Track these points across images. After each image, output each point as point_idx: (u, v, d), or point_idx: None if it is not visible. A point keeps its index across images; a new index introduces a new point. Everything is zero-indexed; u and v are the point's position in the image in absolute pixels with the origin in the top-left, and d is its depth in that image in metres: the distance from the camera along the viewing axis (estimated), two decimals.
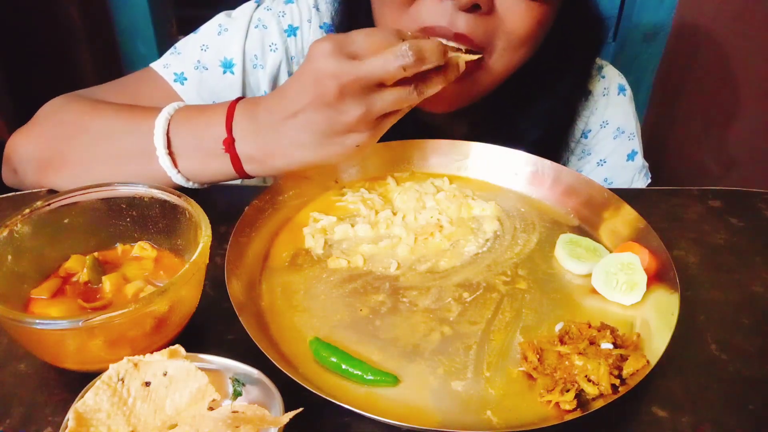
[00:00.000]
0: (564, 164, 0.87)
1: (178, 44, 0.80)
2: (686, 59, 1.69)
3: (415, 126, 0.75)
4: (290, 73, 0.81)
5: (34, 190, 0.70)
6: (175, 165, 0.61)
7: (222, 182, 0.64)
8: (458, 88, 0.69)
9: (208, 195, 0.64)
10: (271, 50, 0.79)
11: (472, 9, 0.61)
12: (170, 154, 0.60)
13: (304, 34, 0.81)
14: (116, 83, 0.78)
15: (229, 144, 0.58)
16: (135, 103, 0.70)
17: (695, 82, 1.70)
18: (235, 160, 0.59)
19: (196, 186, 0.64)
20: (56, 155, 0.66)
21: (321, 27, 0.80)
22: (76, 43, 1.49)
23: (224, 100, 0.74)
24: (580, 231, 0.69)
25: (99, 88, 0.77)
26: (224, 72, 0.78)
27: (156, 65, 0.78)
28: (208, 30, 0.80)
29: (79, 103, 0.70)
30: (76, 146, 0.65)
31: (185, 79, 0.77)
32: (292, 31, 0.80)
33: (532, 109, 0.79)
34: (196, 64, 0.77)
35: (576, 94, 0.84)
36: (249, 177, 0.62)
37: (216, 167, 0.61)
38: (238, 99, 0.61)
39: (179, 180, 0.62)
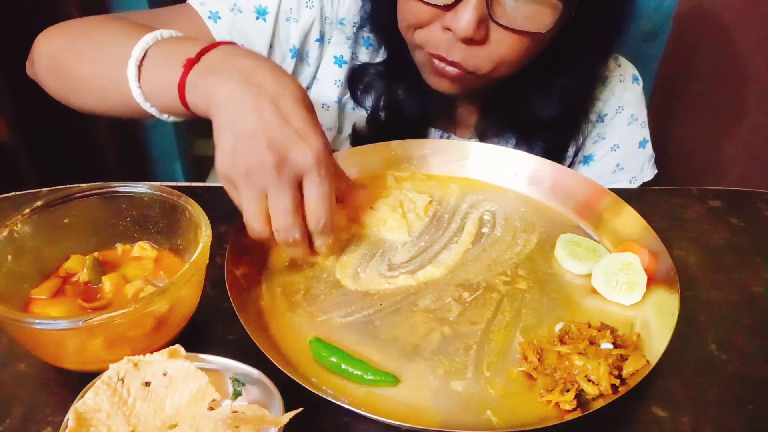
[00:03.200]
0: (578, 147, 0.89)
1: None
2: (686, 59, 1.69)
3: (437, 98, 0.80)
4: (322, 33, 0.82)
5: (33, 191, 0.70)
6: (139, 80, 0.60)
7: (178, 114, 0.62)
8: (457, 86, 0.74)
9: (208, 195, 0.64)
10: (307, 6, 0.80)
11: (469, 42, 0.68)
12: (139, 68, 0.60)
13: None
14: (153, 12, 0.80)
15: (189, 65, 0.56)
16: None
17: (695, 82, 1.70)
18: (182, 82, 0.56)
19: (155, 112, 0.62)
20: (62, 57, 0.69)
21: None
22: None
23: (253, 45, 0.78)
24: (580, 231, 0.69)
25: (135, 13, 0.79)
26: (257, 18, 0.79)
27: (193, 2, 0.79)
28: None
29: (104, 17, 0.73)
30: (78, 51, 0.68)
31: (219, 18, 0.77)
32: None
33: (549, 86, 0.81)
34: (232, 5, 0.78)
35: (593, 74, 0.86)
36: (187, 110, 0.59)
37: (166, 84, 0.58)
38: (228, 42, 0.59)
39: (138, 96, 0.60)
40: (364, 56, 0.84)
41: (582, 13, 0.70)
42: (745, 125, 1.60)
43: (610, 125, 0.90)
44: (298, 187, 0.53)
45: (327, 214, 0.54)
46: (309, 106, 0.54)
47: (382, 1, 0.79)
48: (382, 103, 0.84)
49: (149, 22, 0.73)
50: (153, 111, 0.62)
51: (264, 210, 0.53)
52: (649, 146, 0.92)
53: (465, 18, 0.65)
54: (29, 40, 0.74)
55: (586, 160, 0.91)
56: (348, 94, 0.86)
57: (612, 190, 0.69)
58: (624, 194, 0.68)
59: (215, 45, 0.57)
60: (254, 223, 0.54)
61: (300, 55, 0.82)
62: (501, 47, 0.69)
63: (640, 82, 0.92)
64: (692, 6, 1.63)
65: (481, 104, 0.87)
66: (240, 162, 0.51)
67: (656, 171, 0.93)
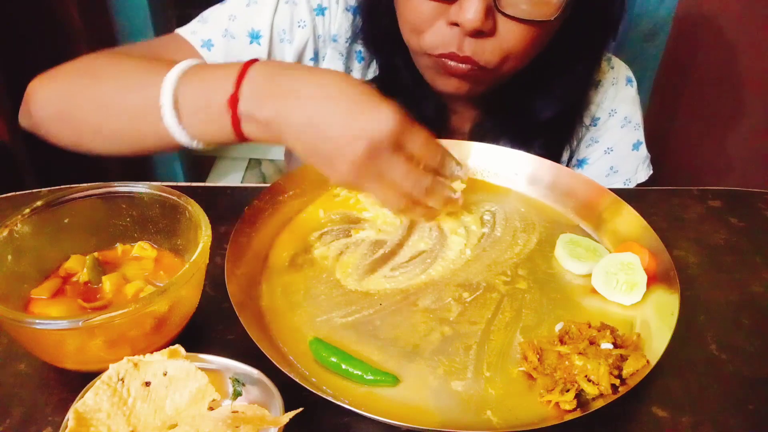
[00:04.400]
0: (572, 151, 0.89)
1: (204, 14, 0.80)
2: (686, 59, 1.69)
3: (433, 102, 0.81)
4: (316, 52, 0.82)
5: (33, 191, 0.70)
6: (180, 122, 0.59)
7: (225, 143, 0.62)
8: (464, 81, 0.73)
9: (208, 195, 0.64)
10: (299, 26, 0.80)
11: (477, 34, 0.67)
12: (176, 109, 0.59)
13: (332, 14, 0.81)
14: (143, 45, 0.78)
15: (234, 101, 0.57)
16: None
17: (695, 81, 1.70)
18: (235, 119, 0.58)
19: (201, 146, 0.62)
20: (71, 105, 0.66)
21: (347, 9, 0.81)
22: (76, 43, 1.49)
23: None
24: (580, 231, 0.69)
25: (127, 47, 0.77)
26: (251, 42, 0.78)
27: (182, 31, 0.78)
28: (236, 1, 0.80)
29: (103, 56, 0.70)
30: (90, 97, 0.65)
31: (212, 45, 0.77)
32: (320, 10, 0.81)
33: (544, 90, 0.81)
34: (224, 32, 0.77)
35: (589, 74, 0.86)
36: (247, 140, 0.60)
37: (217, 124, 0.59)
38: (254, 60, 0.59)
39: (183, 138, 0.60)
40: (357, 71, 0.84)
41: (577, 13, 0.70)
42: (745, 125, 1.60)
43: (603, 128, 0.90)
44: (401, 148, 0.56)
45: (437, 153, 0.60)
46: (356, 83, 0.57)
47: (375, 13, 0.78)
48: None
49: (143, 54, 0.72)
50: (198, 146, 0.62)
51: (394, 188, 0.57)
52: (643, 148, 0.92)
53: (472, 9, 0.64)
54: (29, 40, 0.73)
55: (580, 163, 0.91)
56: None
57: (612, 190, 0.69)
58: (624, 194, 0.68)
59: (245, 69, 0.58)
60: (395, 203, 0.59)
61: None
62: (509, 38, 0.68)
63: (634, 83, 0.92)
64: (692, 6, 1.63)
65: (476, 111, 0.86)
66: (344, 167, 0.55)
67: (651, 171, 0.93)
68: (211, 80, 0.59)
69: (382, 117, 0.54)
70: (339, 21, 0.81)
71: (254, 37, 0.78)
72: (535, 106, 0.82)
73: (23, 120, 0.72)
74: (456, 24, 0.66)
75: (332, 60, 0.82)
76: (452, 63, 0.70)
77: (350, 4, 0.81)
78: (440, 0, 0.66)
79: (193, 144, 0.61)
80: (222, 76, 0.58)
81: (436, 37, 0.69)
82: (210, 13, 0.79)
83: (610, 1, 0.76)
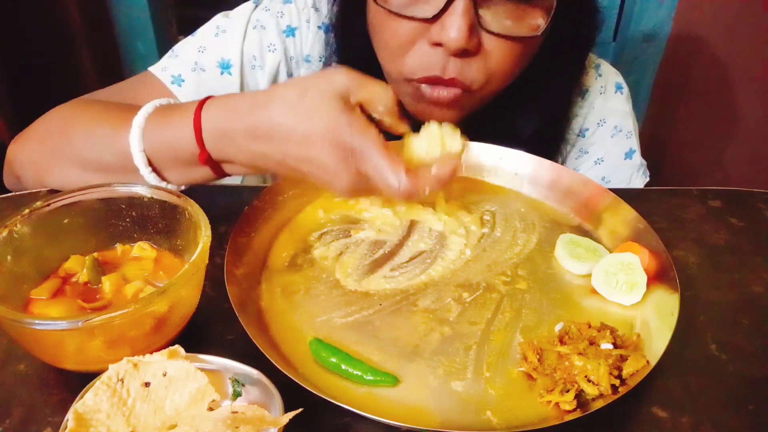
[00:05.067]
0: (561, 163, 0.87)
1: (175, 47, 0.80)
2: (686, 60, 1.69)
3: (412, 121, 0.76)
4: (289, 74, 0.81)
5: (33, 191, 0.70)
6: (163, 178, 0.62)
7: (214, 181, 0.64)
8: (449, 109, 0.70)
9: (208, 195, 0.64)
10: (269, 51, 0.79)
11: (462, 54, 0.64)
12: (154, 169, 0.61)
13: (303, 35, 0.80)
14: (116, 88, 0.78)
15: (205, 159, 0.58)
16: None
17: (695, 82, 1.70)
18: (216, 169, 0.60)
19: (175, 187, 0.64)
20: (49, 159, 0.66)
21: (319, 27, 0.80)
22: (76, 43, 1.49)
23: None
24: (580, 231, 0.69)
25: (99, 93, 0.77)
26: (222, 73, 0.78)
27: (154, 69, 0.78)
28: (205, 32, 0.80)
29: (71, 107, 0.70)
30: (65, 151, 0.65)
31: (183, 80, 0.76)
32: (290, 31, 0.80)
33: (524, 105, 0.79)
34: (194, 65, 0.77)
35: (569, 89, 0.84)
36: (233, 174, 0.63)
37: (200, 175, 0.61)
38: (203, 102, 0.59)
39: (173, 187, 0.62)
40: None
41: (553, 28, 0.67)
42: (744, 125, 1.60)
43: (592, 139, 0.88)
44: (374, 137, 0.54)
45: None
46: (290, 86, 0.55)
47: (347, 37, 0.76)
48: None
49: (114, 97, 0.73)
50: (173, 187, 0.63)
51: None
52: (636, 156, 0.90)
53: (455, 26, 0.60)
54: (29, 40, 0.73)
55: None
56: None
57: (612, 190, 0.69)
58: (624, 194, 0.68)
59: (197, 123, 0.58)
60: (388, 189, 0.55)
61: None
62: (494, 56, 0.65)
63: (625, 90, 0.89)
64: (692, 6, 1.63)
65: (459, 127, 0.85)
66: (340, 180, 0.54)
67: (648, 178, 0.91)
68: (173, 138, 0.59)
69: (317, 117, 0.53)
70: (311, 41, 0.80)
71: (225, 67, 0.78)
72: (516, 124, 0.80)
73: (10, 185, 0.73)
74: (439, 44, 0.63)
75: None
76: (435, 91, 0.67)
77: (323, 22, 0.80)
78: (420, 19, 0.63)
79: (183, 187, 0.63)
80: (181, 133, 0.59)
81: (418, 59, 0.66)
82: (181, 47, 0.79)
83: (585, 13, 0.75)
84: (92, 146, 0.64)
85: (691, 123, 1.75)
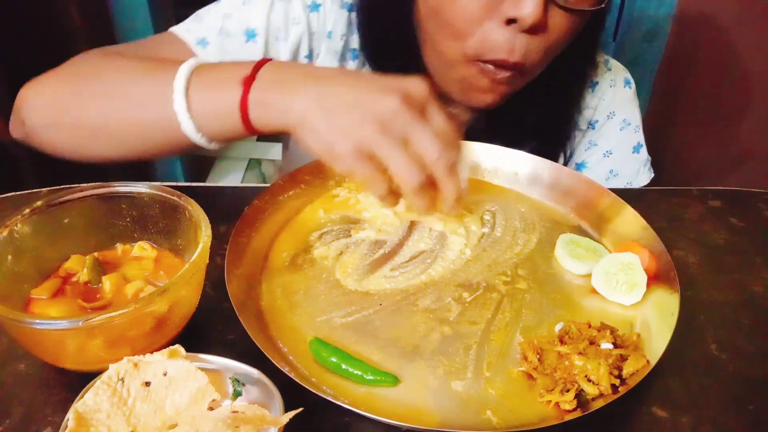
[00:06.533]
0: (569, 155, 0.88)
1: (199, 12, 0.79)
2: (686, 59, 1.69)
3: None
4: (311, 49, 0.81)
5: (33, 191, 0.70)
6: (189, 110, 0.58)
7: (229, 138, 0.61)
8: (502, 90, 0.72)
9: (208, 195, 0.64)
10: (294, 23, 0.79)
11: (533, 30, 0.64)
12: (186, 98, 0.58)
13: (327, 11, 0.80)
14: (137, 44, 0.77)
15: (248, 81, 0.56)
16: None
17: (695, 82, 1.70)
18: (244, 100, 0.56)
19: (204, 142, 0.61)
20: (69, 107, 0.64)
21: (342, 7, 0.80)
22: (76, 43, 1.49)
23: None
24: (580, 231, 0.69)
25: (120, 47, 0.76)
26: (246, 41, 0.78)
27: (177, 29, 0.77)
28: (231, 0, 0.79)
29: (96, 55, 0.69)
30: (90, 96, 0.63)
31: (207, 43, 0.76)
32: (315, 6, 0.80)
33: (540, 89, 0.79)
34: (219, 30, 0.76)
35: (585, 73, 0.85)
36: (253, 131, 0.59)
37: (225, 106, 0.57)
38: (267, 60, 0.59)
39: (188, 126, 0.58)
40: (351, 68, 0.83)
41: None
42: (744, 125, 1.60)
43: (601, 131, 0.89)
44: (426, 118, 0.54)
45: (456, 140, 0.55)
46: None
47: (379, 17, 0.76)
48: None
49: (136, 52, 0.71)
50: (203, 141, 0.60)
51: (414, 156, 0.53)
52: (643, 150, 0.91)
53: (531, 1, 0.61)
54: (29, 40, 0.73)
55: (579, 167, 0.91)
56: None
57: (612, 190, 0.69)
58: (624, 194, 0.68)
59: (260, 63, 0.57)
60: (414, 177, 0.53)
61: None
62: (554, 31, 0.66)
63: (633, 85, 0.90)
64: (692, 6, 1.63)
65: (470, 114, 0.85)
66: (365, 126, 0.51)
67: (653, 175, 0.91)
68: (227, 71, 0.58)
69: (411, 80, 0.53)
70: (334, 18, 0.80)
71: (250, 35, 0.78)
72: (529, 109, 0.81)
73: (15, 131, 0.70)
74: (512, 21, 0.63)
75: (327, 57, 0.81)
76: (499, 73, 0.68)
77: (345, 1, 0.80)
78: None
79: (198, 137, 0.60)
80: (238, 67, 0.58)
81: (486, 39, 0.66)
82: (205, 12, 0.79)
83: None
84: (125, 82, 0.62)
85: (691, 123, 1.75)
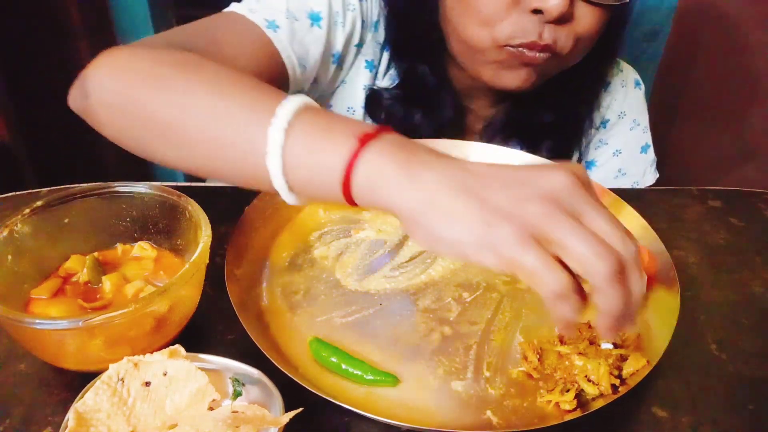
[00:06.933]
0: (581, 153, 0.89)
1: None
2: (686, 59, 1.69)
3: (452, 103, 0.81)
4: (362, 39, 0.79)
5: (33, 191, 0.70)
6: (284, 171, 0.46)
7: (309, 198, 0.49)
8: (534, 71, 0.71)
9: (208, 195, 0.64)
10: (349, 10, 0.77)
11: (559, 20, 0.65)
12: (283, 156, 0.45)
13: (372, 1, 0.79)
14: (193, 29, 0.67)
15: (347, 186, 0.43)
16: (220, 50, 0.63)
17: (695, 81, 1.70)
18: (347, 190, 0.44)
19: (294, 201, 0.49)
20: (136, 92, 0.53)
21: None
22: (76, 43, 1.49)
23: (311, 55, 0.73)
24: None
25: (176, 34, 0.66)
26: (311, 25, 0.74)
27: (240, 9, 0.70)
28: None
29: (178, 52, 0.56)
30: (164, 89, 0.52)
31: (278, 27, 0.70)
32: None
33: (560, 87, 0.79)
34: (287, 12, 0.71)
35: (605, 72, 0.86)
36: (348, 202, 0.45)
37: (326, 191, 0.45)
38: (368, 136, 0.43)
39: (282, 186, 0.47)
40: (384, 60, 0.82)
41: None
42: (745, 125, 1.60)
43: (612, 131, 0.90)
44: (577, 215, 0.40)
45: (631, 238, 0.42)
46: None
47: (412, 20, 0.76)
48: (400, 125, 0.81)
49: (198, 41, 0.64)
50: (293, 201, 0.48)
51: (554, 259, 0.39)
52: (650, 151, 0.92)
53: None
54: (29, 40, 0.72)
55: (588, 165, 0.91)
56: None
57: (612, 189, 0.69)
58: (624, 194, 0.68)
59: (375, 133, 0.43)
60: (604, 254, 0.39)
61: (340, 61, 0.79)
62: (581, 23, 0.67)
63: (642, 86, 0.92)
64: (692, 5, 1.63)
65: (490, 110, 0.86)
66: (533, 202, 0.39)
67: (657, 175, 0.93)
68: (323, 151, 0.44)
69: (569, 163, 0.44)
70: (379, 8, 0.79)
71: (315, 19, 0.74)
72: (547, 106, 0.82)
73: (74, 101, 0.59)
74: (537, 11, 0.64)
75: (370, 48, 0.80)
76: (531, 52, 0.68)
77: None
78: None
79: (293, 200, 0.49)
80: (336, 148, 0.43)
81: (514, 26, 0.66)
82: None
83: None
84: (217, 92, 0.50)
85: (691, 122, 1.75)
